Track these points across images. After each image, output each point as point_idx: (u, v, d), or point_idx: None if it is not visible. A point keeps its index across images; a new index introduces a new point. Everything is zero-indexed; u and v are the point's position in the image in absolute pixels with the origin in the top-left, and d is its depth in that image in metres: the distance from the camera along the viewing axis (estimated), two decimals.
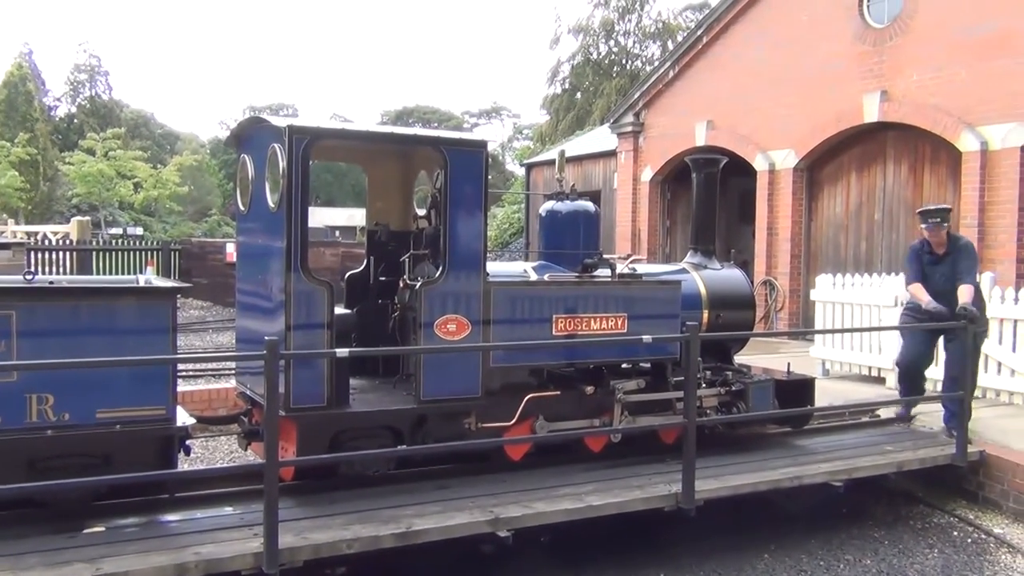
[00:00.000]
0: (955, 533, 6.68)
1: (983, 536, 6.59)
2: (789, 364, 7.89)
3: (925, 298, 7.31)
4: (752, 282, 8.68)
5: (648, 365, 6.90)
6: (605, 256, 7.11)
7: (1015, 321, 8.70)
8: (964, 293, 7.23)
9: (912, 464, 6.99)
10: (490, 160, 6.03)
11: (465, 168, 5.84)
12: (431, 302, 5.73)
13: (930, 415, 8.15)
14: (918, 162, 13.05)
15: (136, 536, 4.82)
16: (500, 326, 5.95)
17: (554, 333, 6.15)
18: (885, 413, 8.43)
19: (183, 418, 5.39)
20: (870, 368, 10.29)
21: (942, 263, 7.47)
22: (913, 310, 7.71)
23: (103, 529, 4.88)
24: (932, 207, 7.63)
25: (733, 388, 7.10)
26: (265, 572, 4.51)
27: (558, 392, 6.42)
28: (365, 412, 5.77)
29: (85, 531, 4.83)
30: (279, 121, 5.53)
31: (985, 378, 9.01)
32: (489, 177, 5.97)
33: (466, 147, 5.93)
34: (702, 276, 7.46)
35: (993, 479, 7.04)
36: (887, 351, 9.99)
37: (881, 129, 13.32)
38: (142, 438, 5.09)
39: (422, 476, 6.08)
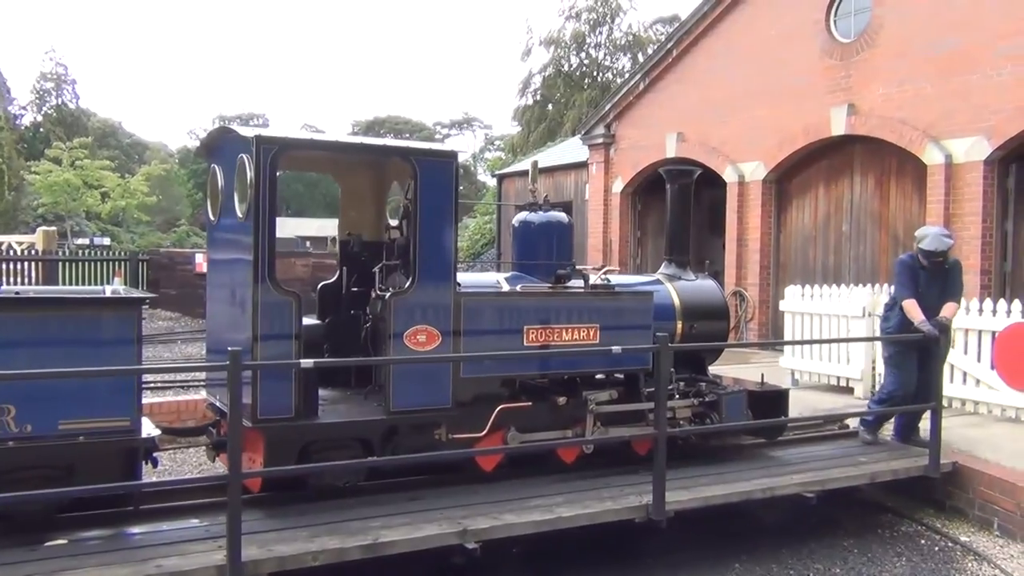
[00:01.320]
0: (922, 541, 6.74)
1: (950, 544, 6.66)
2: (763, 375, 7.91)
3: (919, 316, 7.27)
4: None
5: (622, 376, 6.89)
6: (578, 267, 7.11)
7: (979, 332, 8.83)
8: (949, 309, 7.39)
9: (885, 475, 7.03)
10: (460, 171, 6.03)
11: (435, 179, 5.83)
12: (401, 313, 5.71)
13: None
14: (884, 175, 13.23)
15: (99, 549, 4.77)
16: (471, 337, 5.94)
17: (525, 344, 6.14)
18: (855, 423, 8.47)
19: (148, 429, 5.33)
20: (839, 378, 10.37)
21: (936, 279, 7.47)
22: (902, 338, 7.56)
23: (66, 542, 4.82)
24: (940, 249, 7.34)
25: (706, 399, 7.09)
26: None
27: (530, 403, 6.40)
28: (334, 423, 5.74)
29: (47, 544, 4.76)
30: (247, 131, 5.50)
31: (951, 388, 9.13)
32: (460, 188, 5.96)
33: (436, 158, 5.91)
34: (676, 287, 7.48)
35: (962, 489, 7.12)
36: (855, 361, 10.10)
37: (848, 142, 13.49)
38: (106, 450, 5.01)
39: (393, 488, 6.04)
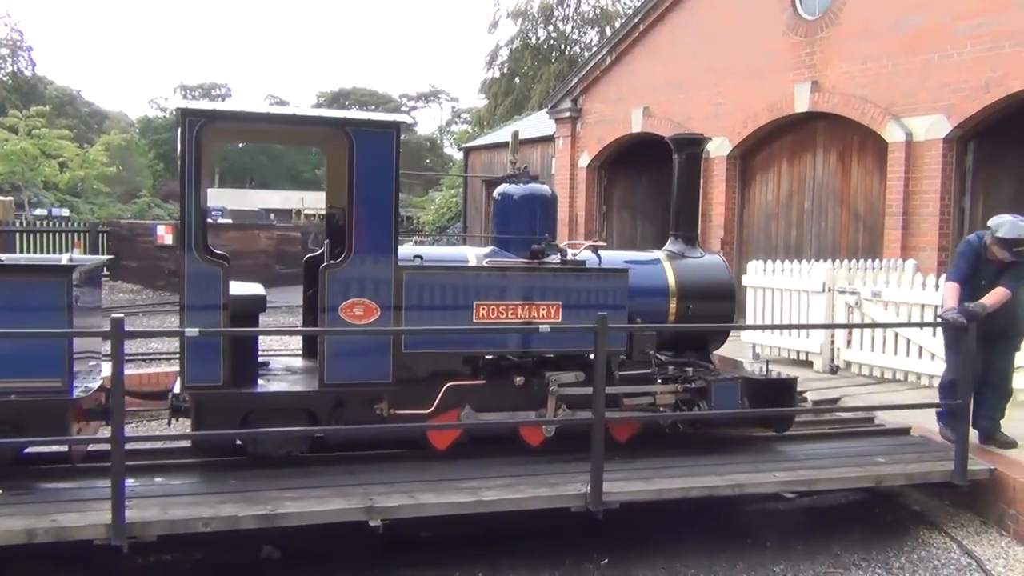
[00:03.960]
0: (877, 510, 6.77)
1: (903, 516, 6.74)
2: (767, 362, 7.35)
3: (949, 303, 6.61)
4: None
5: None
6: (559, 242, 6.80)
7: (936, 307, 8.86)
8: (994, 295, 6.56)
9: (895, 479, 6.42)
10: (401, 141, 5.80)
11: (373, 150, 5.68)
12: (334, 285, 5.64)
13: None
14: (846, 152, 13.24)
15: (23, 500, 5.01)
16: (414, 312, 5.80)
17: (475, 321, 5.95)
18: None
19: (82, 391, 5.51)
20: (798, 352, 10.44)
21: (1009, 270, 6.63)
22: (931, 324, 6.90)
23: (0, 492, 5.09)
24: (1022, 237, 6.47)
25: (693, 385, 6.59)
26: (113, 543, 4.65)
27: (483, 381, 6.22)
28: (266, 393, 5.78)
29: None
30: (177, 103, 5.55)
31: (906, 362, 9.30)
32: (400, 158, 5.75)
33: (374, 128, 5.75)
34: (673, 265, 6.96)
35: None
36: (815, 336, 10.17)
37: (811, 119, 13.46)
38: (37, 408, 5.21)
39: (338, 460, 5.98)
